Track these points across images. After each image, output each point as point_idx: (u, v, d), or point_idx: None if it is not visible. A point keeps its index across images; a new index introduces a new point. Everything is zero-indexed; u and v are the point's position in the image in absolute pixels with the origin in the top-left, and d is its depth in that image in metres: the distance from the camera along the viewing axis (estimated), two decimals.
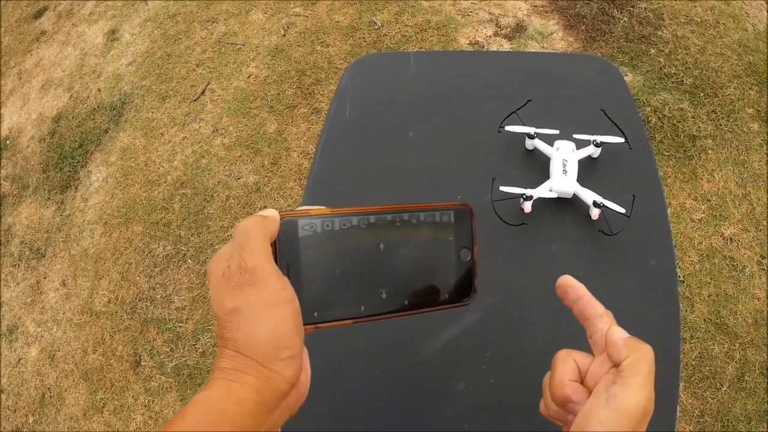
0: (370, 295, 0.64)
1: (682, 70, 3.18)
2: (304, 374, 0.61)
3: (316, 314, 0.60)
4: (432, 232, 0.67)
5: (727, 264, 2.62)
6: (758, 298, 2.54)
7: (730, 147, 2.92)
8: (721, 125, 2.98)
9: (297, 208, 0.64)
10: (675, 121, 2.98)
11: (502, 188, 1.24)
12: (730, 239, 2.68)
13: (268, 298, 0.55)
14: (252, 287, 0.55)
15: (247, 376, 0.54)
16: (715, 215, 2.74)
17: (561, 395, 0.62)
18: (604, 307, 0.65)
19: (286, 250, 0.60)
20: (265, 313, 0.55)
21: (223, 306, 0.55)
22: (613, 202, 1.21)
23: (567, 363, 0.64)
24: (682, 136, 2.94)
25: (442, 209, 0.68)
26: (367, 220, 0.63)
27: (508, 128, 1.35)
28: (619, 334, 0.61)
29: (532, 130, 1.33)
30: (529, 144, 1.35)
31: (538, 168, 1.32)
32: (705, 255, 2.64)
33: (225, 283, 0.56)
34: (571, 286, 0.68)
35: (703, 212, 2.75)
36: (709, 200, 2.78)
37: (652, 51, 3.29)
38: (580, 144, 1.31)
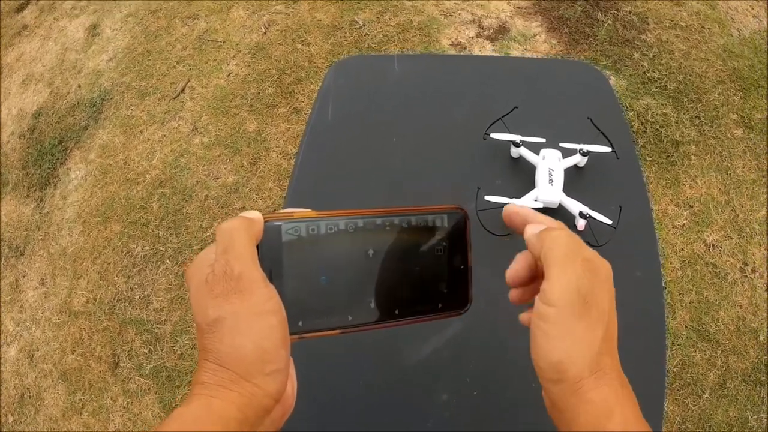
0: (358, 304, 0.61)
1: (665, 75, 3.18)
2: (290, 386, 0.59)
3: (300, 323, 0.57)
4: (424, 237, 0.65)
5: (710, 271, 2.62)
6: (740, 305, 2.55)
7: (714, 153, 2.92)
8: (704, 131, 2.98)
9: (280, 211, 0.61)
10: (658, 126, 2.97)
11: (487, 198, 1.22)
12: (713, 246, 2.68)
13: (254, 308, 0.52)
14: (237, 295, 0.52)
15: (229, 391, 0.51)
16: (698, 221, 2.74)
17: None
18: (552, 219, 0.66)
19: (268, 255, 0.57)
20: (251, 324, 0.52)
21: (205, 315, 0.52)
22: (599, 212, 1.20)
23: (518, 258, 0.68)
24: (665, 141, 2.94)
25: (435, 213, 0.65)
26: (355, 224, 0.60)
27: (493, 135, 1.33)
28: (532, 230, 0.64)
29: (518, 138, 1.31)
30: (515, 152, 1.34)
31: (524, 177, 1.31)
32: (687, 261, 2.64)
33: (208, 291, 0.52)
34: (516, 212, 0.69)
35: (686, 218, 2.75)
36: (692, 206, 2.78)
37: (636, 55, 3.28)
38: (567, 153, 1.30)
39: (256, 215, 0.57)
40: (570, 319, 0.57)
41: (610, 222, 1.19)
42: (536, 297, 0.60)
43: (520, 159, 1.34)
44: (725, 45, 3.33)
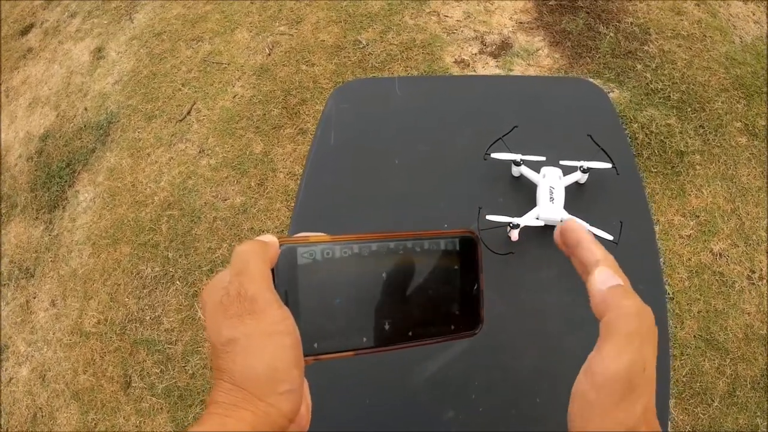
0: (372, 326, 0.61)
1: (669, 85, 3.18)
2: (304, 407, 0.59)
3: (315, 345, 0.58)
4: (436, 261, 0.65)
5: (717, 280, 2.62)
6: (748, 313, 2.55)
7: (719, 162, 2.93)
8: (708, 140, 2.99)
9: (296, 235, 0.61)
10: (662, 137, 2.98)
11: (489, 217, 1.23)
12: (720, 255, 2.69)
13: (267, 329, 0.52)
14: (251, 316, 0.52)
15: (242, 411, 0.51)
16: (704, 231, 2.74)
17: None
18: (604, 251, 0.61)
19: (284, 278, 0.57)
20: (264, 345, 0.52)
21: (219, 336, 0.53)
22: (601, 228, 1.21)
23: None
24: (670, 152, 2.94)
25: (447, 237, 0.65)
26: (368, 248, 0.61)
27: (494, 155, 1.34)
28: (598, 284, 0.58)
29: (518, 156, 1.32)
30: (516, 171, 1.34)
31: (525, 195, 1.32)
32: (694, 271, 2.65)
33: (222, 312, 0.53)
34: (571, 229, 0.64)
35: (692, 228, 2.75)
36: (698, 216, 2.78)
37: (639, 66, 3.29)
38: (567, 170, 1.31)
39: (271, 239, 0.58)
40: (610, 404, 0.53)
41: (611, 238, 1.20)
42: (589, 358, 0.56)
43: (521, 178, 1.35)
44: (727, 53, 3.33)
